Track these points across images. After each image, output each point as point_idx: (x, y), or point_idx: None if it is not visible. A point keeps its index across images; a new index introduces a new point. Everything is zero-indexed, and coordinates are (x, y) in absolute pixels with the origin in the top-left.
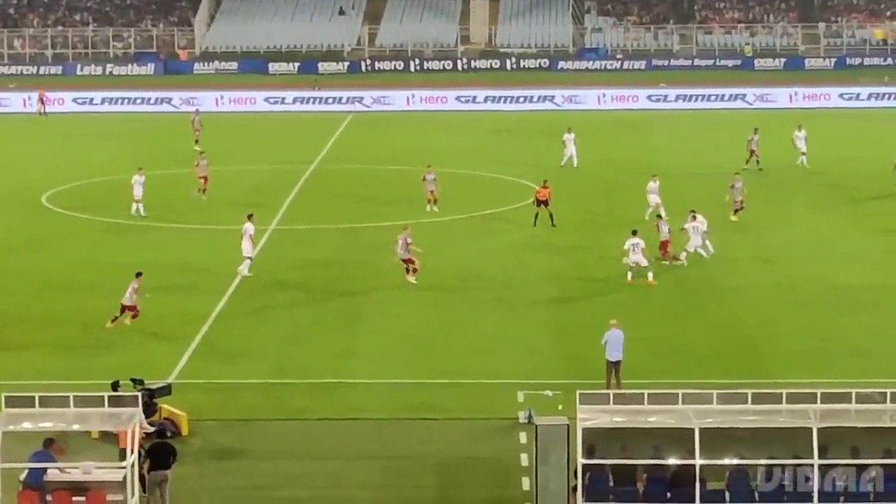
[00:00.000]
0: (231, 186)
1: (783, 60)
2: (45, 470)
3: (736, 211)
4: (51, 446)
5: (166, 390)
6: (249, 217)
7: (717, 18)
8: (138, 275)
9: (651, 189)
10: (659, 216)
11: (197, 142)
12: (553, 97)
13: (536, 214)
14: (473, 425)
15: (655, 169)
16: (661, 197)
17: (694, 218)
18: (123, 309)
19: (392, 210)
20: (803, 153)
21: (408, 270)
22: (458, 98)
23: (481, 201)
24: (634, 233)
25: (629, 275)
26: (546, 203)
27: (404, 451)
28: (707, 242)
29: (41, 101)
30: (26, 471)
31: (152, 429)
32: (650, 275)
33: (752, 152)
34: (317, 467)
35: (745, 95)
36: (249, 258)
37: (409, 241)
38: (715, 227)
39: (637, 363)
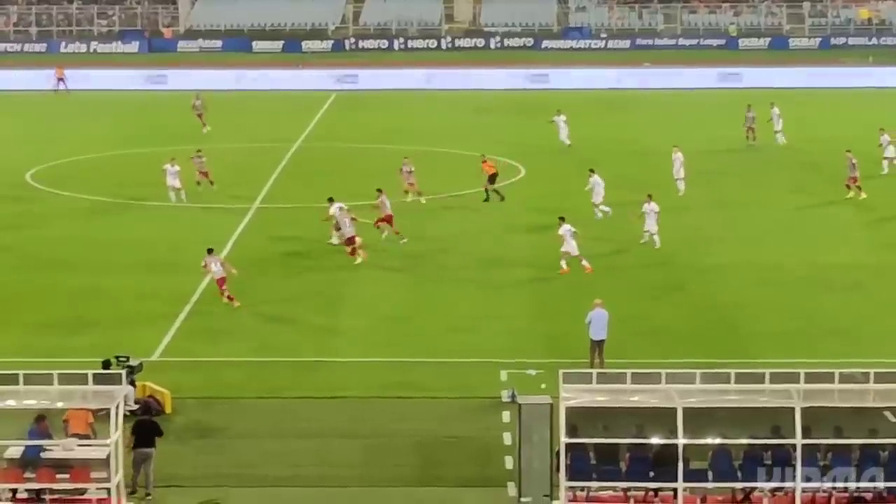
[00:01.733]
0: (215, 165)
1: (768, 40)
2: (41, 446)
3: (859, 188)
4: (41, 423)
5: (139, 367)
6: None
7: None
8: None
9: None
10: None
11: (204, 125)
12: (537, 76)
13: (486, 190)
14: (456, 404)
15: (638, 147)
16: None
17: (650, 200)
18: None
19: (374, 189)
20: (777, 131)
21: (352, 251)
22: (442, 77)
23: (463, 180)
24: (562, 220)
25: (563, 263)
26: (494, 178)
27: (386, 430)
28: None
29: (59, 79)
30: (12, 448)
31: (136, 406)
32: (584, 262)
33: (750, 129)
34: (298, 445)
35: (729, 75)
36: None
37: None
38: (695, 205)
39: (619, 342)
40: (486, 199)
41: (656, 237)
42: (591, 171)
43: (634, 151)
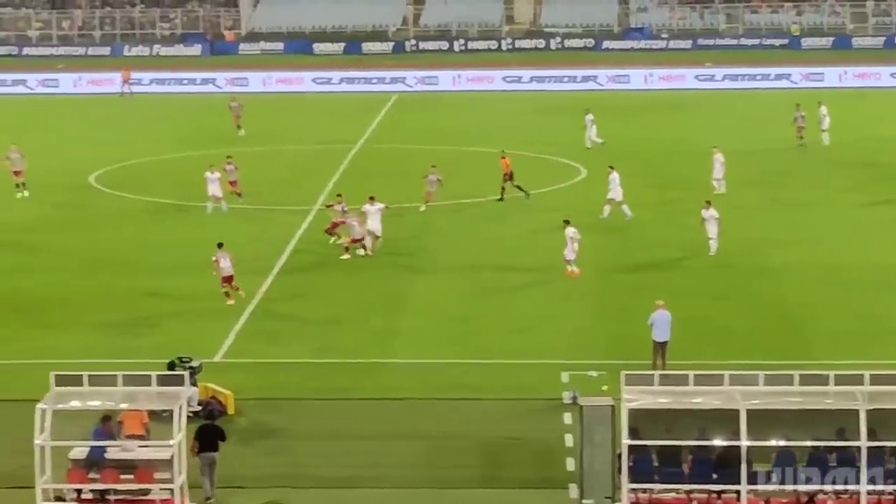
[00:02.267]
0: (276, 166)
1: (831, 39)
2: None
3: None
4: (107, 423)
5: (199, 369)
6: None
7: None
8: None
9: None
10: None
11: (239, 127)
12: (598, 77)
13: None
14: (517, 405)
15: (698, 148)
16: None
17: (708, 206)
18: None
19: (436, 190)
20: (824, 130)
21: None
22: (503, 78)
23: (524, 181)
24: (567, 222)
25: (571, 267)
26: (511, 176)
27: (447, 431)
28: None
29: (125, 81)
30: (77, 448)
31: (198, 408)
32: (574, 267)
33: (800, 129)
34: (360, 447)
35: (790, 75)
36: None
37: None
38: (756, 206)
39: (681, 344)
40: (501, 199)
41: (713, 243)
42: (611, 167)
43: (694, 152)
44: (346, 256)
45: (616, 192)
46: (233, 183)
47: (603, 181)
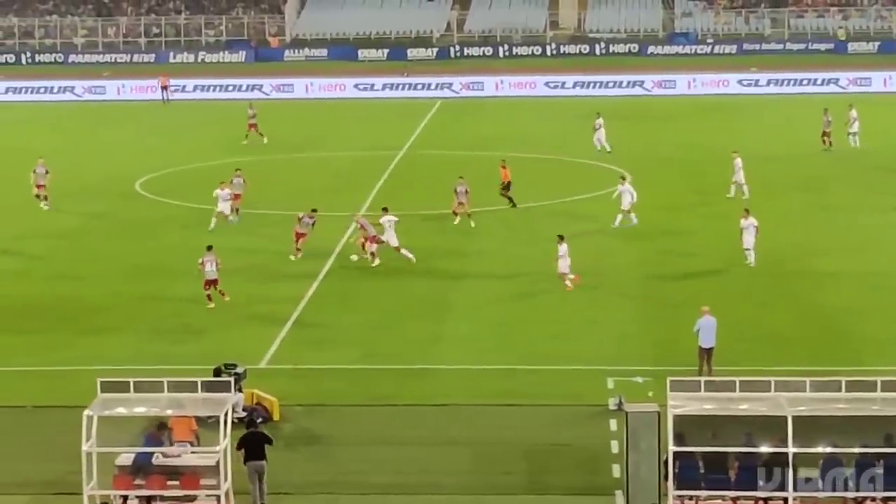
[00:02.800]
0: (320, 173)
1: (877, 44)
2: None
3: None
4: (161, 430)
5: (243, 375)
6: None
7: (809, 2)
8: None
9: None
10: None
11: (248, 135)
12: (643, 82)
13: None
14: (562, 412)
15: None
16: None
17: (623, 180)
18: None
19: (480, 197)
20: (852, 133)
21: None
22: (546, 84)
23: (568, 187)
24: (561, 238)
25: (567, 282)
26: (508, 186)
27: (492, 438)
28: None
29: (163, 87)
30: (124, 454)
31: (244, 414)
32: (568, 282)
33: (825, 133)
34: (404, 453)
35: (838, 80)
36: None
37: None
38: (802, 211)
39: (728, 349)
40: (513, 206)
41: (751, 252)
42: (623, 178)
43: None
44: (377, 262)
45: (625, 202)
46: (236, 197)
47: (646, 187)
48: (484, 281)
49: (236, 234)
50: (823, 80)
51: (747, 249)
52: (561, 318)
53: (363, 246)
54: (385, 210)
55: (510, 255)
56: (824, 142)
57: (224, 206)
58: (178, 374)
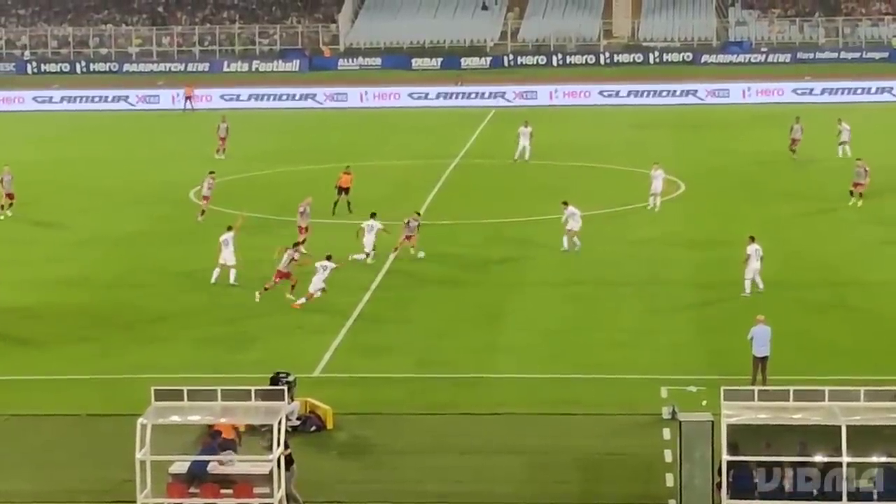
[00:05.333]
0: (374, 182)
1: None
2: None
3: (854, 193)
4: (217, 437)
5: (294, 384)
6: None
7: (863, 10)
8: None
9: (654, 176)
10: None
11: (219, 151)
12: (696, 91)
13: (335, 202)
14: (616, 421)
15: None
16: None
17: (752, 241)
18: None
19: (535, 205)
20: (843, 142)
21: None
22: (600, 92)
23: (623, 195)
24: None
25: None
26: (347, 191)
27: (546, 446)
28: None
29: (188, 97)
30: (178, 462)
31: (298, 422)
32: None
33: (793, 141)
34: (459, 462)
35: (892, 88)
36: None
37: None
38: (856, 220)
39: (781, 358)
40: (350, 210)
41: (748, 283)
42: (565, 203)
43: (793, 166)
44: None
45: (575, 225)
46: (206, 198)
47: (701, 196)
48: (538, 289)
49: (291, 242)
50: (878, 89)
51: (746, 279)
52: (615, 326)
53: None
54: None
55: (564, 264)
56: (792, 150)
57: (227, 256)
58: (232, 382)
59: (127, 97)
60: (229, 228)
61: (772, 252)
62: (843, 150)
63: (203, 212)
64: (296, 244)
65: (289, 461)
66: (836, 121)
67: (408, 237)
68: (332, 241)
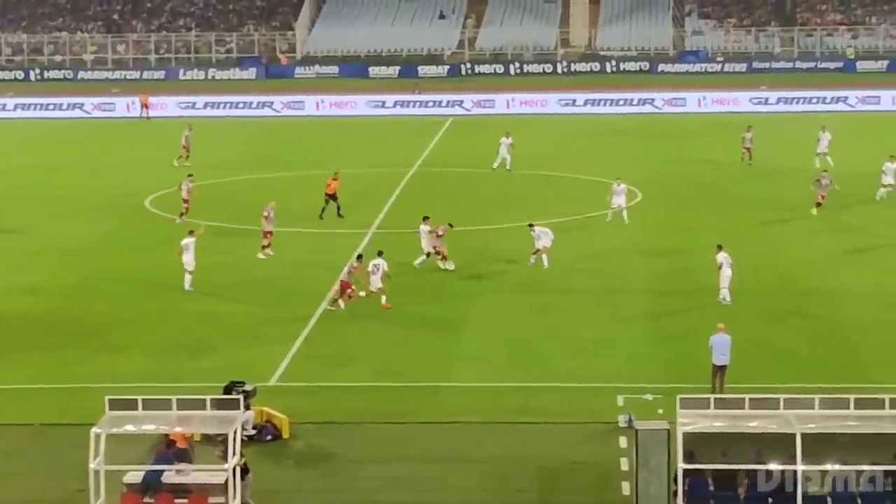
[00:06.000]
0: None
1: (886, 62)
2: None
3: (818, 204)
4: (172, 447)
5: (253, 392)
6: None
7: (818, 20)
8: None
9: (617, 191)
10: (530, 225)
11: (181, 157)
12: (653, 100)
13: (323, 208)
14: (574, 429)
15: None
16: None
17: (720, 249)
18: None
19: (493, 214)
20: (820, 153)
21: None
22: (557, 101)
23: (580, 205)
24: (426, 219)
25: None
26: (334, 196)
27: (505, 455)
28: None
29: (144, 105)
30: (132, 472)
31: (254, 431)
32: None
33: (747, 150)
34: (417, 471)
35: (847, 98)
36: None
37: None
38: (815, 230)
39: (741, 367)
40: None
41: (726, 291)
42: (531, 225)
43: (751, 175)
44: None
45: (545, 242)
46: (186, 201)
47: (659, 205)
48: (497, 298)
49: (248, 250)
50: (832, 99)
51: (723, 288)
52: (573, 335)
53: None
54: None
55: (524, 273)
56: (743, 157)
57: (189, 260)
58: (188, 391)
59: (82, 105)
60: (190, 233)
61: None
62: (823, 160)
63: (181, 214)
64: (359, 256)
65: (244, 470)
66: (820, 128)
67: (437, 250)
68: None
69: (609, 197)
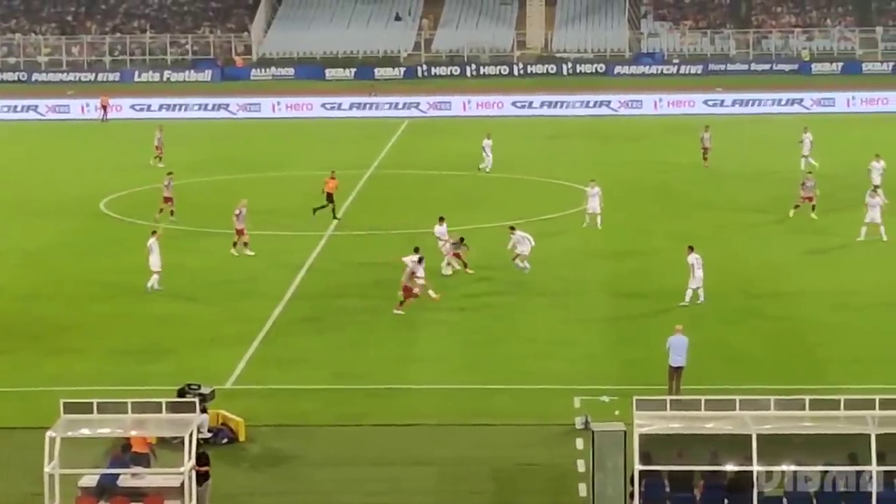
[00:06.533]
0: (287, 192)
1: (840, 65)
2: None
3: (796, 206)
4: (128, 450)
5: (211, 395)
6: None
7: (773, 23)
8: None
9: (591, 194)
10: (511, 227)
11: (156, 158)
12: (609, 102)
13: (324, 206)
14: (530, 431)
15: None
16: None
17: (691, 250)
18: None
19: (449, 215)
20: (805, 155)
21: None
22: (514, 103)
23: (537, 206)
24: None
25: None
26: (331, 197)
27: (461, 457)
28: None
29: (103, 107)
30: (87, 476)
31: (209, 434)
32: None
33: (704, 150)
34: (373, 473)
35: (802, 100)
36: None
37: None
38: (770, 232)
39: (697, 368)
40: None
41: (701, 291)
42: (512, 228)
43: (706, 177)
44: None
45: (524, 247)
46: (169, 199)
47: (614, 207)
48: (455, 299)
49: (204, 252)
50: (788, 101)
51: (697, 288)
52: (530, 337)
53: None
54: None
55: (480, 275)
56: (705, 159)
57: (155, 261)
58: (144, 394)
59: (36, 107)
60: (153, 233)
61: (685, 263)
62: (807, 161)
63: (172, 212)
64: (420, 259)
65: (204, 476)
66: (802, 129)
67: (456, 254)
68: (281, 247)
69: (585, 201)
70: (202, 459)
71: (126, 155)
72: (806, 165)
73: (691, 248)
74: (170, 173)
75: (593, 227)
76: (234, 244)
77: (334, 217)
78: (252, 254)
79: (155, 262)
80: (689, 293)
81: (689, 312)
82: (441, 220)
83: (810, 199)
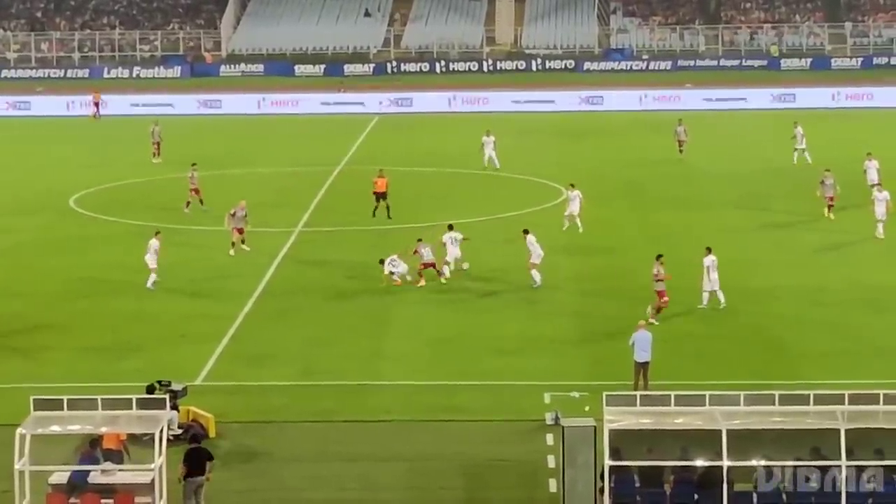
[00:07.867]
0: (257, 188)
1: (809, 60)
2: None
3: (829, 207)
4: (97, 447)
5: (183, 392)
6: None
7: (742, 18)
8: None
9: (571, 197)
10: (419, 239)
11: (155, 155)
12: (579, 98)
13: (375, 207)
14: (500, 427)
15: (681, 169)
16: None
17: (451, 229)
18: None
19: (418, 212)
20: (798, 148)
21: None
22: (483, 100)
23: (506, 203)
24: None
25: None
26: (384, 195)
27: (431, 453)
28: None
29: (95, 104)
30: (57, 473)
31: (180, 431)
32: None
33: (679, 143)
34: (344, 469)
35: (770, 96)
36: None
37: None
38: (741, 227)
39: (665, 364)
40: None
41: (720, 293)
42: (526, 231)
43: (676, 172)
44: (422, 283)
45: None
46: (196, 191)
47: (585, 204)
48: (424, 296)
49: (173, 249)
50: (757, 97)
51: (715, 291)
52: (499, 333)
53: (420, 273)
54: (450, 227)
55: (448, 272)
56: (680, 151)
57: (151, 260)
58: (116, 391)
59: (4, 103)
60: (157, 234)
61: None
62: (802, 156)
63: (201, 201)
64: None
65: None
66: (793, 124)
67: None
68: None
69: (566, 204)
70: (204, 456)
71: (96, 151)
72: (798, 159)
73: (709, 250)
74: (194, 164)
75: (574, 231)
76: (233, 244)
77: (388, 216)
78: (248, 249)
79: (151, 260)
80: (705, 296)
81: (670, 310)
82: (450, 227)
83: (832, 198)
